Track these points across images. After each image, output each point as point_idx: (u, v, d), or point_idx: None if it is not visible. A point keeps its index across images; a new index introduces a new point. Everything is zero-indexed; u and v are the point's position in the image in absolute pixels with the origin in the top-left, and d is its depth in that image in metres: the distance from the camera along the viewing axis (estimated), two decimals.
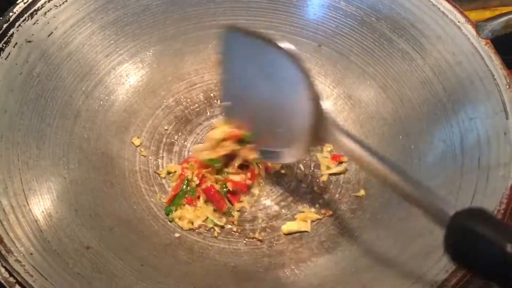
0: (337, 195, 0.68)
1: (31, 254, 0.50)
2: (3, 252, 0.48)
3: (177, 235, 0.63)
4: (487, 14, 0.96)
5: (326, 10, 0.75)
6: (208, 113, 0.76)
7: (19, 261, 0.48)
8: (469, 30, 0.64)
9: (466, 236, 0.40)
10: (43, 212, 0.55)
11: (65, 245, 0.54)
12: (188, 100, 0.76)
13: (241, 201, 0.66)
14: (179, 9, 0.76)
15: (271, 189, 0.68)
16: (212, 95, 0.77)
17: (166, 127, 0.73)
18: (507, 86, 0.59)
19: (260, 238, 0.63)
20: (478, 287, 0.50)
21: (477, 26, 0.64)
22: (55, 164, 0.61)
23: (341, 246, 0.62)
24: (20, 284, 0.46)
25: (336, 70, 0.76)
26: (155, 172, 0.69)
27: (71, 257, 0.53)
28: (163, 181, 0.68)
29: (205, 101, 0.77)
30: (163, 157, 0.71)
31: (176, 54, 0.77)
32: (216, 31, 0.77)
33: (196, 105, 0.76)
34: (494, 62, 0.61)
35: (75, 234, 0.56)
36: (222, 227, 0.64)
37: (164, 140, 0.72)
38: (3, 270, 0.46)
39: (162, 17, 0.75)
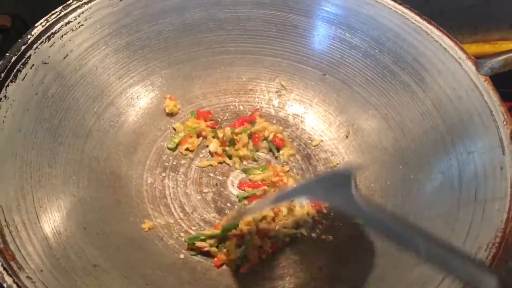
0: (337, 222, 0.69)
1: (41, 271, 0.51)
2: (15, 268, 0.49)
3: (181, 256, 0.64)
4: (487, 47, 0.99)
5: (332, 41, 0.78)
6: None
7: (30, 278, 0.49)
8: (469, 66, 0.67)
9: None
10: (53, 229, 0.57)
11: (73, 263, 0.55)
12: (196, 122, 0.79)
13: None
14: (190, 35, 0.79)
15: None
16: (218, 118, 0.80)
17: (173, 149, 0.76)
18: (504, 123, 0.61)
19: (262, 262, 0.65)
20: None
21: (477, 63, 0.66)
22: (65, 183, 0.63)
23: (339, 272, 0.64)
24: None
25: (340, 99, 0.79)
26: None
27: (79, 274, 0.54)
28: (169, 201, 0.70)
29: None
30: (169, 178, 0.73)
31: (185, 78, 0.80)
32: (225, 57, 0.81)
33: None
34: (492, 99, 0.63)
35: (83, 251, 0.58)
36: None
37: (171, 161, 0.74)
38: (15, 286, 0.48)
39: (173, 42, 0.78)
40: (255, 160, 0.76)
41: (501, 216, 0.55)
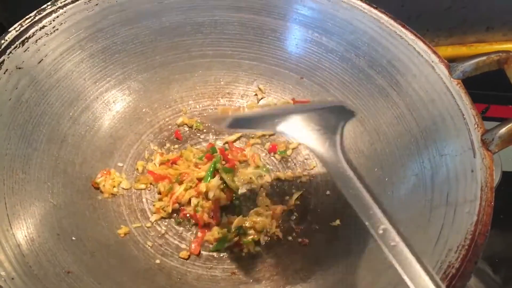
0: (314, 225, 0.70)
1: (13, 279, 0.51)
2: None
3: (157, 261, 0.64)
4: (464, 49, 1.00)
5: (309, 44, 0.78)
6: (192, 140, 0.78)
7: (0, 286, 0.49)
8: (442, 70, 0.67)
9: None
10: (26, 236, 0.57)
11: (46, 270, 0.55)
12: (173, 126, 0.79)
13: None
14: (167, 39, 0.79)
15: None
16: (197, 122, 0.79)
17: (150, 153, 0.75)
18: (475, 126, 0.62)
19: (238, 265, 0.65)
20: None
21: (450, 66, 0.67)
22: (39, 188, 0.63)
23: (315, 275, 0.64)
24: None
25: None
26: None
27: (52, 282, 0.54)
28: (145, 206, 0.70)
29: (190, 128, 0.79)
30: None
31: (163, 82, 0.80)
32: (202, 61, 0.81)
33: (181, 132, 0.78)
34: (464, 102, 0.64)
35: (56, 258, 0.58)
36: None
37: (147, 165, 0.74)
38: None
39: (151, 46, 0.78)
40: None
41: (471, 219, 0.55)
